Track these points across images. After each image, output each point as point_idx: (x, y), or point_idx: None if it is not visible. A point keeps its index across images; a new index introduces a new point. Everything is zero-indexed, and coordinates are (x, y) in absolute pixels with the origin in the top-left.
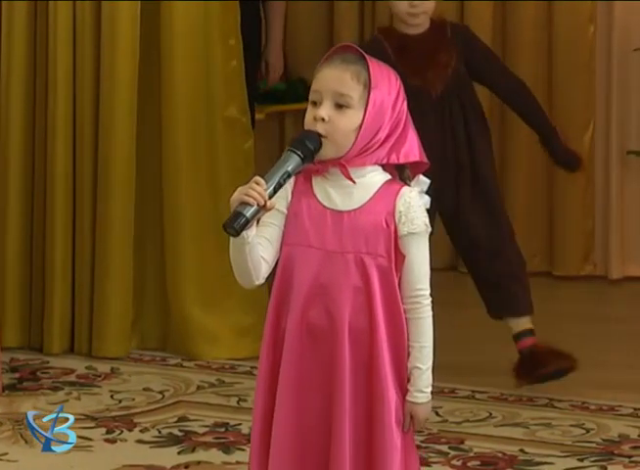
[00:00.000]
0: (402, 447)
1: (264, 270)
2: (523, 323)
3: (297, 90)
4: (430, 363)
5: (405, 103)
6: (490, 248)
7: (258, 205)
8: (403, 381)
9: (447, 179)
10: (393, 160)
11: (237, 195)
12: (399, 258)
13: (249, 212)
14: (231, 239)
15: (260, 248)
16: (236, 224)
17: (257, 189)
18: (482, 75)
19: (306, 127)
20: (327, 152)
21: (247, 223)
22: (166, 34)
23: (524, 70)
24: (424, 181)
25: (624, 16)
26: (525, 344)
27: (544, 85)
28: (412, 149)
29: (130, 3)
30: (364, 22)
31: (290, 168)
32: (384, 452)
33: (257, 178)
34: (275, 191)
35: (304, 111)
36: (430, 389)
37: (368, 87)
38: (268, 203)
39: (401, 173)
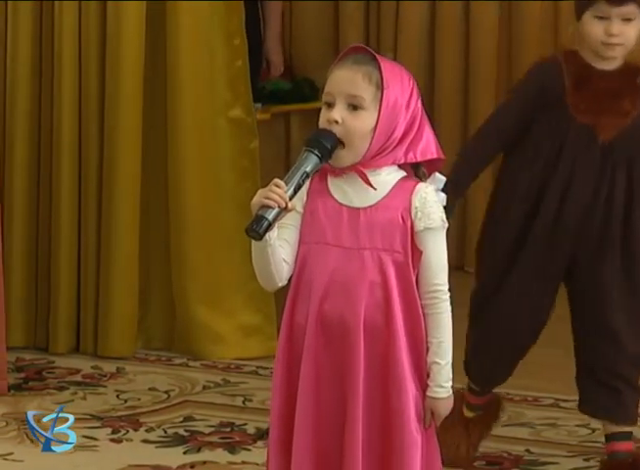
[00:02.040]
0: (423, 444)
1: (286, 272)
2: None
3: (303, 90)
4: (449, 358)
5: (420, 101)
6: (624, 342)
7: (280, 207)
8: (422, 376)
9: (587, 238)
10: (411, 158)
11: (257, 198)
12: (416, 253)
13: (271, 215)
14: (253, 243)
15: (281, 250)
16: (259, 228)
17: (278, 191)
18: None
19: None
20: (345, 159)
21: (269, 226)
22: (172, 34)
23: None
24: (440, 179)
25: None
26: (620, 447)
27: None
28: (429, 146)
29: (136, 3)
30: (369, 22)
31: (308, 169)
32: (402, 448)
33: (277, 181)
34: (295, 192)
35: (310, 111)
36: (450, 383)
37: (380, 88)
38: (289, 204)
39: (417, 171)
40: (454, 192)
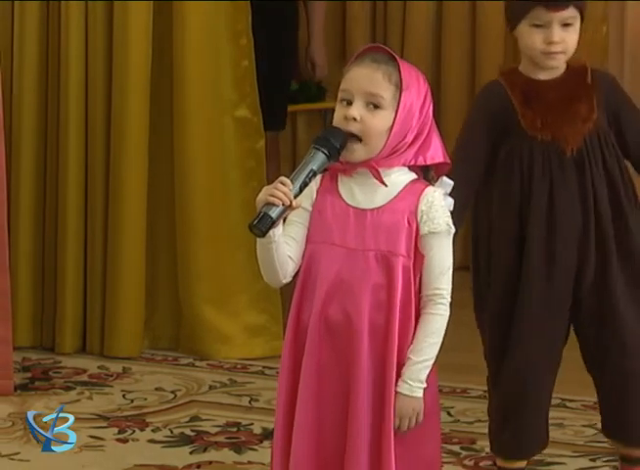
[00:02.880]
0: (415, 440)
1: (291, 269)
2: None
3: (310, 90)
4: (425, 358)
5: (431, 106)
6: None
7: (284, 205)
8: None
9: (586, 257)
10: (420, 161)
11: (262, 195)
12: (419, 257)
13: (274, 213)
14: (257, 239)
15: (287, 247)
16: (262, 225)
17: (283, 189)
18: (621, 135)
19: (335, 125)
20: (360, 154)
21: (272, 224)
22: (178, 34)
23: None
24: (447, 183)
25: (637, 16)
26: None
27: None
28: (437, 150)
29: (142, 3)
30: (376, 22)
31: (315, 167)
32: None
33: (283, 178)
34: (301, 190)
35: (316, 111)
36: (417, 385)
37: (399, 88)
38: (294, 202)
39: (426, 174)
40: None
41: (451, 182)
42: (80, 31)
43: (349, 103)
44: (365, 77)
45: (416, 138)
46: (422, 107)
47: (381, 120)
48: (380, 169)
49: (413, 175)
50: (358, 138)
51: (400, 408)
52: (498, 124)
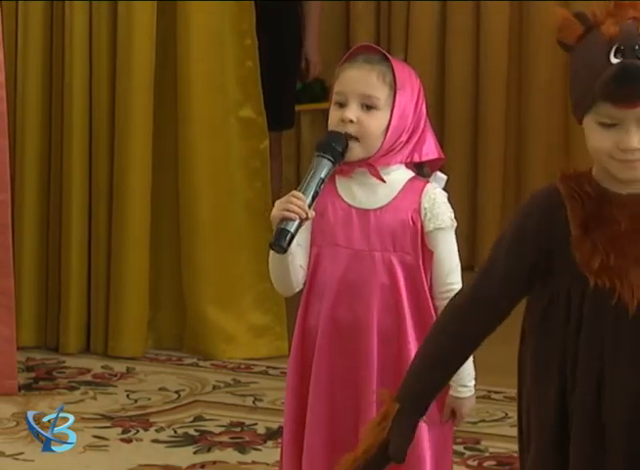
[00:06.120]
0: (434, 444)
1: (302, 276)
2: None
3: (314, 90)
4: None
5: (424, 103)
6: None
7: (300, 218)
8: None
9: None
10: (416, 158)
11: (277, 212)
12: (427, 254)
13: (293, 228)
14: (272, 253)
15: (297, 256)
16: (282, 241)
17: (298, 203)
18: None
19: (331, 128)
20: (356, 153)
21: (292, 239)
22: (182, 35)
23: (540, 71)
24: (441, 177)
25: None
26: None
27: (561, 86)
28: (431, 146)
29: (147, 3)
30: (380, 22)
31: (323, 175)
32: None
33: (295, 192)
34: (313, 200)
35: (320, 110)
36: (473, 382)
37: (394, 89)
38: (309, 214)
39: (420, 170)
40: (411, 412)
41: (444, 176)
42: (84, 32)
43: (344, 105)
44: (359, 79)
45: (411, 136)
46: (415, 105)
47: (377, 121)
48: (378, 168)
49: (410, 173)
50: (355, 138)
51: (464, 409)
52: (544, 253)
